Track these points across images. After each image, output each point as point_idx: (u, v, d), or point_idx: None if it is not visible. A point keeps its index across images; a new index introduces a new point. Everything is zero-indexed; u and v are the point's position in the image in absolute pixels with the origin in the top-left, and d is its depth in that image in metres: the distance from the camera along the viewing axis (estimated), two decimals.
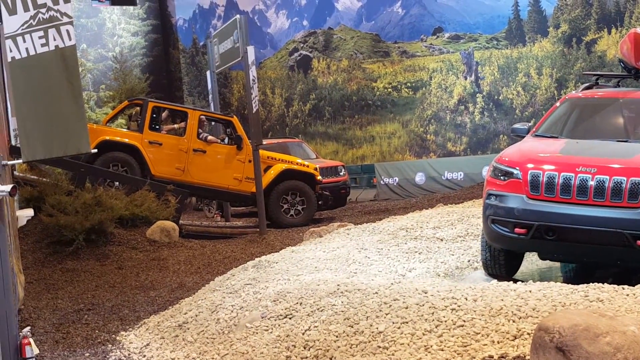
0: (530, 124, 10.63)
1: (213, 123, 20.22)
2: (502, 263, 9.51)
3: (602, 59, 24.47)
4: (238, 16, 18.08)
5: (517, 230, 8.83)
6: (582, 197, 8.55)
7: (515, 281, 8.25)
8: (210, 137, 18.38)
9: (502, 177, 9.07)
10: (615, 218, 8.38)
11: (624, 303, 6.62)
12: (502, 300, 6.93)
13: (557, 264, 10.49)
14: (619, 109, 10.33)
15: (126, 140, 17.75)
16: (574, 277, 9.83)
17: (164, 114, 18.59)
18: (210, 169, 18.11)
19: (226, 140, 18.66)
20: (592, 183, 8.51)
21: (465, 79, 26.86)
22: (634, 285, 7.40)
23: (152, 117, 18.12)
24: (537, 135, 10.08)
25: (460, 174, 24.95)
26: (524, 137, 10.20)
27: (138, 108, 18.56)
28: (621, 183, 8.40)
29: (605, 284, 7.54)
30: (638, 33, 10.23)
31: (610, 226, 8.38)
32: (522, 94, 25.74)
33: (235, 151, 18.36)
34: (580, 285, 7.43)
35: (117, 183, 16.96)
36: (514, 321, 6.27)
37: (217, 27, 27.37)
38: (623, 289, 7.24)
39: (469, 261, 10.54)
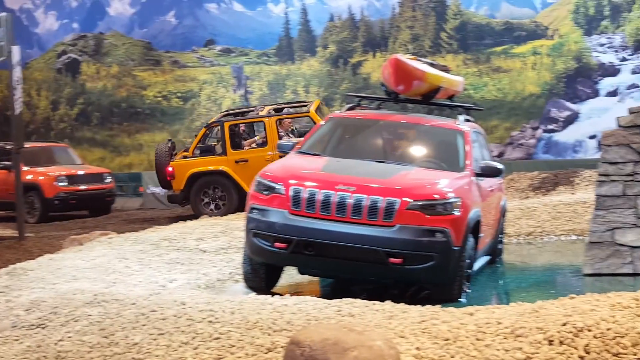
0: (295, 141, 10.83)
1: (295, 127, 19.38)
2: (262, 276, 9.61)
3: (367, 80, 25.38)
4: (3, 14, 17.37)
5: (277, 244, 8.97)
6: (341, 214, 8.81)
7: (274, 295, 8.38)
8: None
9: (265, 192, 9.18)
10: (370, 236, 8.70)
11: (374, 318, 6.88)
12: (259, 313, 7.02)
13: (317, 279, 10.74)
14: (379, 130, 10.74)
15: (210, 167, 17.83)
16: (331, 292, 10.08)
17: (242, 128, 18.20)
18: None
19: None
20: (350, 201, 8.79)
21: (235, 92, 27.10)
22: (383, 301, 7.70)
23: (232, 137, 17.89)
24: (301, 152, 10.27)
25: None
26: (288, 153, 10.38)
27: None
28: (377, 202, 8.73)
29: (358, 299, 7.79)
30: (398, 59, 10.66)
31: (366, 243, 8.68)
32: None
33: None
34: (334, 300, 7.64)
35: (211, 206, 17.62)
36: (269, 334, 6.37)
37: None
38: (374, 304, 7.51)
39: (230, 273, 10.60)
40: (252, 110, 19.80)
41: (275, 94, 26.53)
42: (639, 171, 10.00)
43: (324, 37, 26.42)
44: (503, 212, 11.89)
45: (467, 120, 10.99)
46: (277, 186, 9.11)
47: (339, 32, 26.22)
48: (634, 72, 23.57)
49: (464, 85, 13.20)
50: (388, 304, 7.60)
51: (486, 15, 25.38)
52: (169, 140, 20.98)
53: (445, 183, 9.24)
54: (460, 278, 9.05)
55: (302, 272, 9.87)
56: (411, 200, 8.73)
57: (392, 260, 8.65)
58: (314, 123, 17.69)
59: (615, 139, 10.13)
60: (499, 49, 24.83)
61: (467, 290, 9.34)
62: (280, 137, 17.70)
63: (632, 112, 10.25)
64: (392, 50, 24.41)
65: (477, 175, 9.94)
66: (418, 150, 10.48)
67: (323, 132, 10.67)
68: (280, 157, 10.91)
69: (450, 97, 12.18)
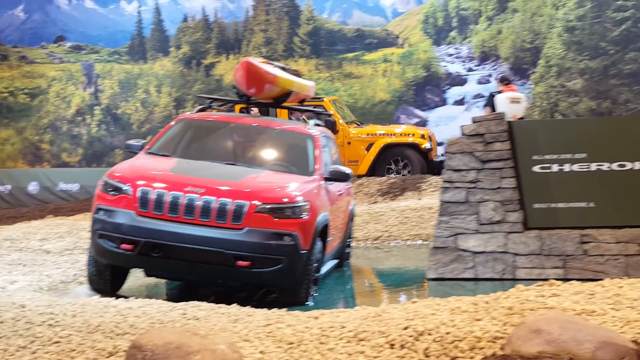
0: (144, 141, 10.65)
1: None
2: (107, 278, 9.43)
3: (220, 82, 25.32)
4: None
5: (124, 246, 8.82)
6: (189, 216, 8.75)
7: (118, 297, 8.24)
8: None
9: (112, 192, 9.02)
10: (218, 238, 8.67)
11: (219, 321, 6.85)
12: (102, 316, 6.88)
13: (164, 281, 10.63)
14: (230, 132, 10.71)
15: None
16: (179, 295, 9.99)
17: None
18: None
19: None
20: (199, 203, 8.74)
21: (85, 90, 26.55)
22: (230, 304, 7.69)
23: None
24: (150, 153, 10.14)
25: (76, 186, 24.49)
26: (137, 153, 10.22)
27: None
28: (226, 205, 8.71)
29: (205, 302, 7.75)
30: (250, 62, 10.66)
31: (214, 246, 8.65)
32: (141, 110, 25.93)
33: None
34: (180, 303, 7.58)
35: None
36: (111, 338, 6.24)
37: None
38: (220, 307, 7.48)
39: (74, 275, 10.37)
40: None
41: (127, 92, 26.15)
42: (482, 178, 10.32)
43: (177, 38, 26.24)
44: (351, 217, 12.05)
45: (317, 125, 11.10)
46: (124, 187, 8.96)
47: (192, 33, 26.08)
48: (479, 82, 24.39)
49: (315, 90, 13.32)
50: (234, 307, 7.59)
51: (339, 21, 25.73)
52: None
53: (294, 187, 9.29)
54: (308, 281, 9.12)
55: (148, 275, 9.74)
56: (260, 203, 8.75)
57: (240, 263, 8.65)
58: (329, 115, 17.42)
59: (459, 146, 10.42)
60: (350, 55, 25.21)
61: (314, 294, 9.42)
62: None
63: (475, 121, 10.57)
64: (245, 53, 24.45)
65: (326, 179, 10.05)
66: (268, 154, 10.51)
67: (173, 132, 10.56)
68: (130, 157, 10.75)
69: (302, 102, 12.29)
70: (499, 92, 15.35)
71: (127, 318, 6.87)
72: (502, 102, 13.01)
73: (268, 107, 12.17)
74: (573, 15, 24.18)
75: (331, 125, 17.45)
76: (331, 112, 18.00)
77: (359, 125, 18.84)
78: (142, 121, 25.90)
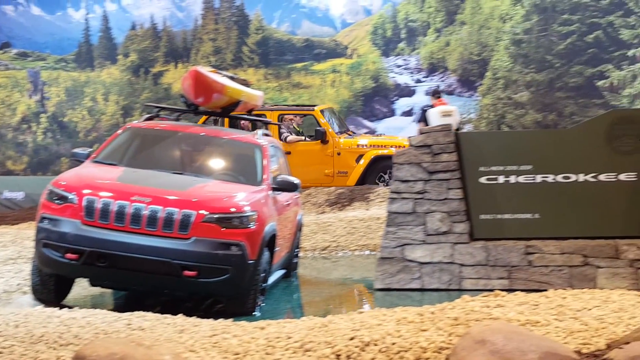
0: (91, 149, 10.57)
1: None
2: (52, 288, 9.32)
3: (168, 91, 25.21)
4: None
5: (68, 255, 8.73)
6: (136, 225, 8.69)
7: (62, 307, 8.15)
8: (290, 137, 17.01)
9: (57, 201, 8.93)
10: (165, 248, 8.62)
11: (165, 332, 6.81)
12: (45, 327, 6.80)
13: (109, 291, 10.52)
14: (178, 142, 10.66)
15: None
16: (124, 305, 9.91)
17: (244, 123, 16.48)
18: (298, 170, 16.34)
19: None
20: (146, 212, 8.69)
21: (31, 97, 26.26)
22: (176, 314, 7.64)
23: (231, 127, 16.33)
24: (96, 162, 10.06)
25: (21, 194, 24.14)
26: (83, 162, 10.13)
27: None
28: (173, 214, 8.67)
29: (150, 312, 7.70)
30: (198, 71, 10.64)
31: (160, 255, 8.60)
32: (88, 118, 25.71)
33: (321, 146, 16.50)
34: (125, 314, 7.51)
35: None
36: (54, 349, 6.17)
37: None
38: (165, 317, 7.44)
39: (18, 285, 10.24)
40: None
41: (74, 100, 25.91)
42: (429, 189, 10.38)
43: (125, 46, 26.08)
44: (299, 227, 12.04)
45: (265, 135, 11.09)
46: (70, 195, 8.88)
47: (140, 41, 25.94)
48: (427, 94, 24.52)
49: (264, 99, 13.31)
50: (180, 317, 7.55)
51: (287, 31, 25.77)
52: None
53: (242, 196, 9.28)
54: (255, 292, 9.10)
55: (94, 284, 9.65)
56: (207, 212, 8.73)
57: (187, 273, 8.61)
58: (318, 123, 17.47)
59: (407, 157, 10.48)
60: (299, 65, 25.25)
61: (262, 304, 9.40)
62: (280, 133, 17.30)
63: (422, 132, 10.64)
64: (194, 62, 24.38)
65: (274, 189, 10.05)
66: (216, 163, 10.49)
67: (120, 141, 10.49)
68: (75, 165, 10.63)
69: (250, 111, 12.28)
70: (431, 106, 15.44)
71: (71, 328, 6.80)
72: (435, 116, 13.17)
73: (217, 117, 12.13)
74: (520, 29, 24.48)
75: (320, 135, 17.49)
76: (323, 120, 17.93)
77: (350, 135, 18.72)
78: (89, 129, 25.69)
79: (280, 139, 17.09)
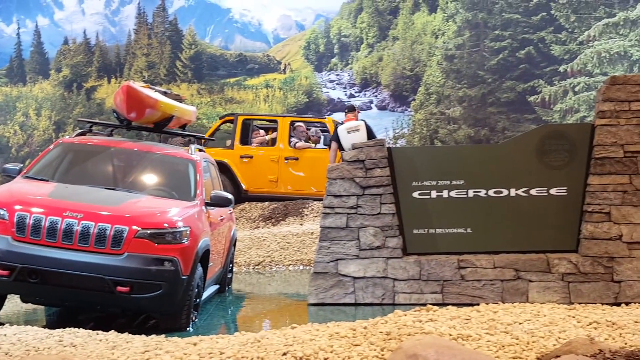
0: (22, 165, 10.46)
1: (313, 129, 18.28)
2: None
3: (101, 106, 25.03)
4: None
5: None
6: (68, 241, 8.61)
7: None
8: (299, 144, 17.20)
9: None
10: (98, 264, 8.55)
11: (97, 348, 6.76)
12: None
13: (42, 307, 10.40)
14: (110, 157, 10.60)
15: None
16: (57, 321, 9.81)
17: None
18: (304, 176, 16.91)
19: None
20: (78, 228, 8.61)
21: None
22: (108, 331, 7.59)
23: (242, 131, 17.00)
24: (28, 177, 9.97)
25: None
26: (15, 177, 10.03)
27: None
28: (106, 230, 8.61)
29: (82, 328, 7.64)
30: (130, 86, 10.59)
31: (93, 271, 8.52)
32: (20, 133, 25.38)
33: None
34: (57, 330, 7.45)
35: None
36: None
37: None
38: (97, 334, 7.39)
39: None
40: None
41: (5, 115, 25.56)
42: (362, 204, 10.46)
43: (57, 60, 25.87)
44: (233, 242, 12.05)
45: (199, 150, 11.08)
46: (0, 211, 8.77)
47: (73, 56, 25.73)
48: (361, 109, 24.69)
49: (197, 114, 13.31)
50: (112, 333, 7.51)
51: (221, 46, 25.79)
52: None
53: (175, 212, 9.25)
54: (189, 307, 9.07)
55: (25, 301, 9.53)
56: (140, 228, 8.69)
57: (120, 288, 8.54)
58: (328, 131, 17.71)
59: (340, 172, 10.55)
60: (232, 80, 25.28)
61: (195, 320, 9.37)
62: (290, 141, 17.66)
63: (355, 147, 10.72)
64: (127, 77, 24.28)
65: (208, 204, 10.05)
66: (149, 178, 10.44)
67: (52, 157, 10.41)
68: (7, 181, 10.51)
69: (183, 127, 12.27)
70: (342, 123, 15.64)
71: (1, 345, 6.73)
72: (341, 133, 13.39)
73: (150, 132, 12.09)
74: (452, 44, 24.82)
75: (329, 142, 17.74)
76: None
77: None
78: (21, 145, 25.36)
79: (290, 146, 17.72)
